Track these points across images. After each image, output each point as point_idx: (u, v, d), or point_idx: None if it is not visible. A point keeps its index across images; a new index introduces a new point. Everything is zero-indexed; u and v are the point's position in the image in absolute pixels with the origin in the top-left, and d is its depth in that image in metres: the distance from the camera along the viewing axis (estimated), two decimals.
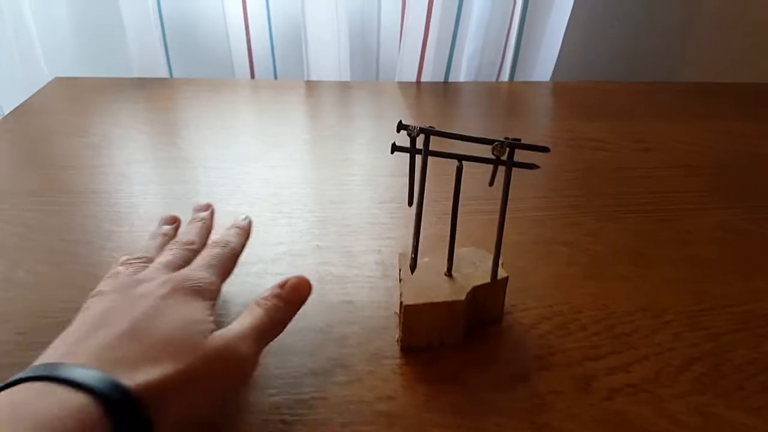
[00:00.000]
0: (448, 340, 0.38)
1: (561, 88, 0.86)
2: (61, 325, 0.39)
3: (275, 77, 0.92)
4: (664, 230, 0.52)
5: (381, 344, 0.39)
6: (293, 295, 0.35)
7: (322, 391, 0.35)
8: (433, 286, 0.38)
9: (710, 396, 0.36)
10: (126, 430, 0.25)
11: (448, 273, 0.39)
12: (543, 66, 0.88)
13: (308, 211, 0.53)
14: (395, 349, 0.39)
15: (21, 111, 0.72)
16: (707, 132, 0.71)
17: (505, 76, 0.91)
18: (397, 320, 0.41)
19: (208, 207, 0.44)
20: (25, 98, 0.76)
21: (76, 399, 0.24)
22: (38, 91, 0.78)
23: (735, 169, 0.63)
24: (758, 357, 0.39)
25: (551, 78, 0.90)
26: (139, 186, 0.56)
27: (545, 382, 0.37)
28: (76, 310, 0.40)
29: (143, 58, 0.84)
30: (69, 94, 0.78)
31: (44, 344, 0.37)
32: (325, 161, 0.63)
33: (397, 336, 0.39)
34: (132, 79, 0.83)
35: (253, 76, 0.91)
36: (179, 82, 0.83)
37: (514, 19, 0.86)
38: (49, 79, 0.81)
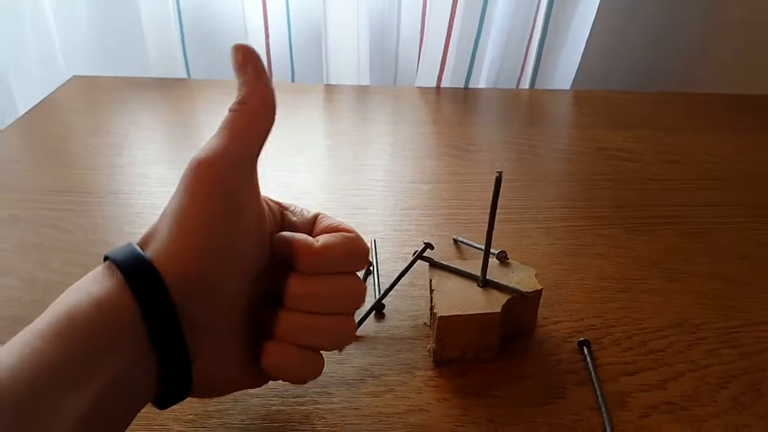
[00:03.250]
0: (483, 353, 0.38)
1: (583, 96, 0.85)
2: None
3: (292, 80, 0.92)
4: (695, 244, 0.51)
5: (411, 355, 0.38)
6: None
7: (354, 402, 0.35)
8: (468, 298, 0.37)
9: (748, 416, 0.35)
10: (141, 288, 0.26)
11: (482, 284, 0.38)
12: (564, 73, 0.88)
13: None
14: (426, 360, 0.38)
15: (40, 109, 0.72)
16: (734, 145, 0.70)
17: (525, 83, 0.90)
18: (428, 331, 0.40)
19: None
20: (44, 96, 0.75)
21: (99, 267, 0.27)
22: (56, 90, 0.77)
23: (764, 183, 0.62)
24: None
25: (571, 86, 0.89)
26: (159, 187, 0.56)
27: (581, 397, 0.36)
28: None
29: (161, 57, 0.84)
30: (87, 92, 0.78)
31: None
32: (345, 167, 0.62)
33: (428, 347, 0.38)
34: (150, 79, 0.82)
35: (270, 77, 0.90)
36: (198, 83, 0.83)
37: (536, 25, 0.85)
38: (68, 77, 0.81)
